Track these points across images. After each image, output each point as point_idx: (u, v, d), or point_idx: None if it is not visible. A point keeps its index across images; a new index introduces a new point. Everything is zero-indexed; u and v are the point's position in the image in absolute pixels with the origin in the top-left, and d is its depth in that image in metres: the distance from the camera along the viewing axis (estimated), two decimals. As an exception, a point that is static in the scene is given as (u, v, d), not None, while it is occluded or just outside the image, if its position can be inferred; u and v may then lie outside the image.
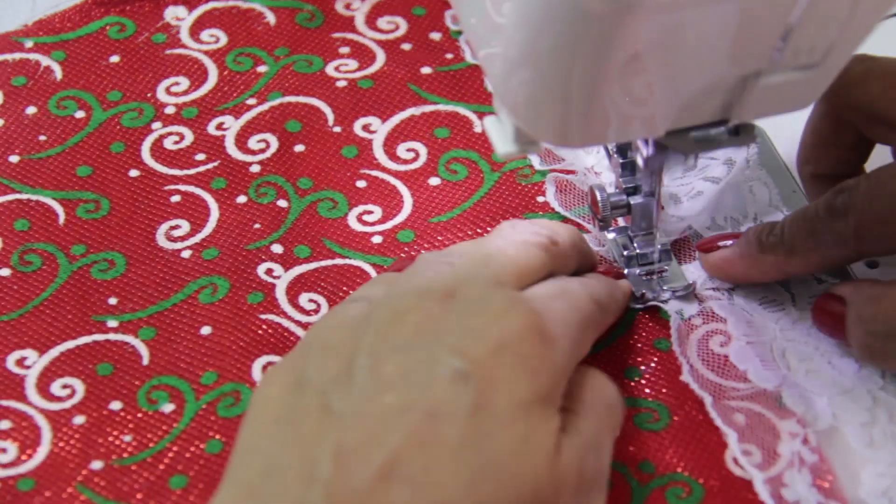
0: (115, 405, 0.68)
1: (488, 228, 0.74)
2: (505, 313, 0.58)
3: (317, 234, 0.74)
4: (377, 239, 0.74)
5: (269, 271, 0.73)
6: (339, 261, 0.73)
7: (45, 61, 0.80)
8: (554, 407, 0.58)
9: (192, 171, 0.76)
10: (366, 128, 0.78)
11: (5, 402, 0.68)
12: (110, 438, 0.67)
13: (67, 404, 0.68)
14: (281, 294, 0.72)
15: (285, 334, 0.70)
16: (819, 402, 0.66)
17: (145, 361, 0.69)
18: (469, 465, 0.55)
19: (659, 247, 0.71)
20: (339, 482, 0.54)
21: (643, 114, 0.59)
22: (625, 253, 0.71)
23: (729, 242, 0.69)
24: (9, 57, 0.81)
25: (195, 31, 0.82)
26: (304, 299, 0.72)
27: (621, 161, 0.70)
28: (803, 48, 0.57)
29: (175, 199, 0.75)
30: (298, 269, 0.73)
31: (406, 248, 0.73)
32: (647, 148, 0.66)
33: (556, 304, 0.61)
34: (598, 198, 0.70)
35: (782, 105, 0.61)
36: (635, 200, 0.70)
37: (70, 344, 0.70)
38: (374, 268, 0.73)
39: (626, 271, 0.71)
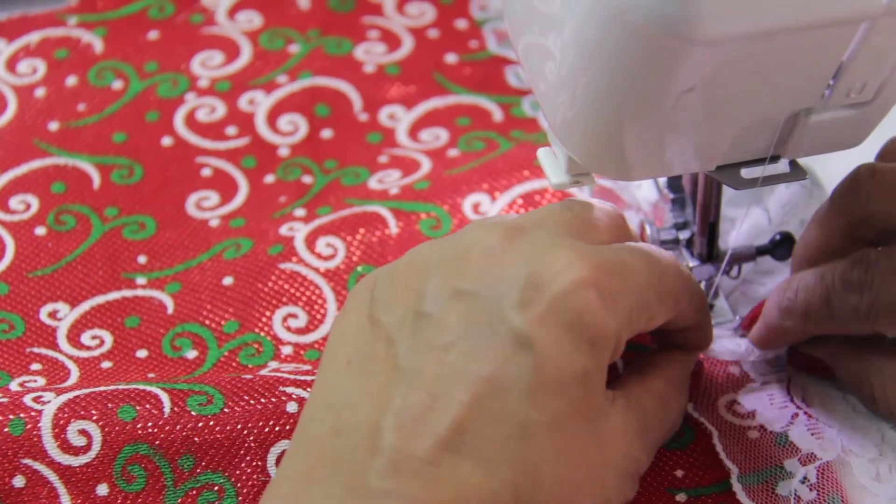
0: (142, 353, 0.70)
1: (502, 180, 0.76)
2: (570, 266, 0.55)
3: (339, 197, 0.77)
4: (394, 190, 0.76)
5: (290, 228, 0.75)
6: (357, 209, 0.75)
7: (86, 37, 0.84)
8: (604, 374, 0.56)
9: (222, 145, 0.80)
10: (391, 116, 0.81)
11: (37, 350, 0.71)
12: (135, 377, 0.69)
13: (96, 352, 0.70)
14: (300, 243, 0.74)
15: (304, 283, 0.72)
16: (829, 432, 0.65)
17: (170, 311, 0.72)
18: (532, 444, 0.54)
19: (704, 282, 0.70)
20: (403, 450, 0.53)
21: (693, 147, 0.58)
22: None
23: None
24: (52, 33, 0.84)
25: (231, 12, 0.85)
26: (321, 244, 0.74)
27: (672, 196, 0.70)
28: (854, 86, 0.56)
29: (206, 172, 0.78)
30: (318, 221, 0.75)
31: (422, 195, 0.76)
32: (691, 184, 0.67)
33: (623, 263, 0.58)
34: (648, 232, 0.69)
35: (833, 143, 0.60)
36: (685, 235, 0.70)
37: (100, 299, 0.73)
38: (392, 212, 0.75)
39: None
